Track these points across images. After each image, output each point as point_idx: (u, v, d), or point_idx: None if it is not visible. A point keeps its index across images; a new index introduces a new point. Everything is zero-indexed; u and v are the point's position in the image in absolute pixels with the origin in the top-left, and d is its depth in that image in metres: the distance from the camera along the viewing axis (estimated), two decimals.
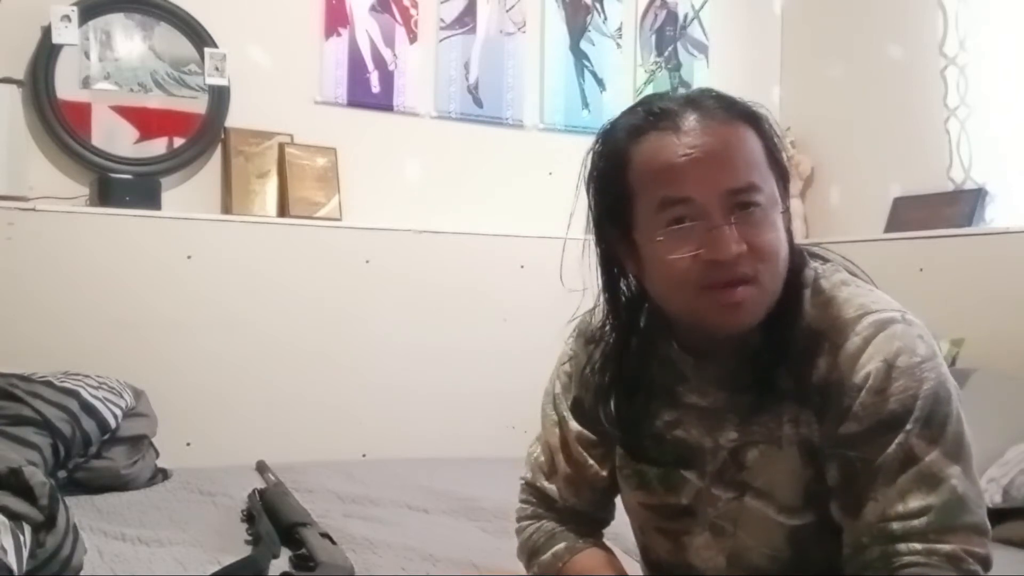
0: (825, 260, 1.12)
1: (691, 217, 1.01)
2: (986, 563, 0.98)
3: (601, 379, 1.18)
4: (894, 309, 1.04)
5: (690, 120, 1.02)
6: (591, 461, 1.22)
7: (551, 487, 1.25)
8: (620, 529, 1.31)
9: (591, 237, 1.13)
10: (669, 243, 1.02)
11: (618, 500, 1.28)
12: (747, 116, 1.05)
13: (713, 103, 1.04)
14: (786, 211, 1.05)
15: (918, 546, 0.96)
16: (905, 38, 3.21)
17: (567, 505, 1.24)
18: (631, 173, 1.05)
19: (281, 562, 1.65)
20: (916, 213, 3.08)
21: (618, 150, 1.06)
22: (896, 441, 0.98)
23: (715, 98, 1.05)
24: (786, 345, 1.05)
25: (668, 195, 1.02)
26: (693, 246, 1.00)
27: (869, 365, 1.00)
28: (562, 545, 1.21)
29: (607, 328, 1.18)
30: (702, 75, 3.54)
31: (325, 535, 1.75)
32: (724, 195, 1.00)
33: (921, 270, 2.86)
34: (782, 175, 1.07)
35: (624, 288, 1.14)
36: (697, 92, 1.07)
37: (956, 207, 2.96)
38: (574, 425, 1.23)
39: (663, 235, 1.02)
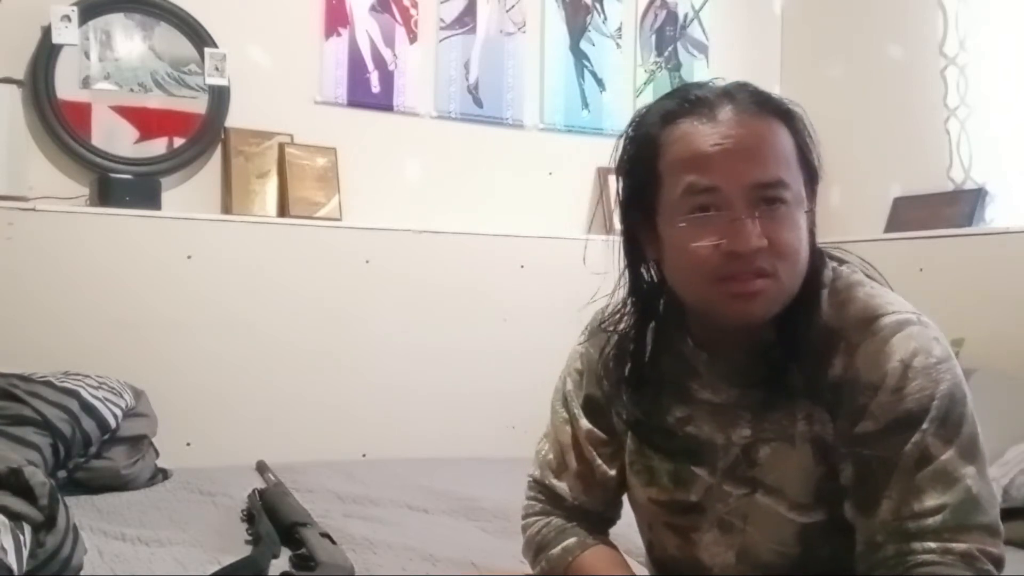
0: (843, 261, 1.13)
1: (716, 206, 1.02)
2: (999, 563, 0.98)
3: (617, 368, 1.19)
4: (910, 311, 1.05)
5: (725, 111, 1.03)
6: (599, 460, 1.23)
7: (561, 485, 1.25)
8: (623, 530, 1.31)
9: (606, 235, 1.14)
10: (691, 230, 1.02)
11: (623, 499, 1.28)
12: (782, 113, 1.06)
13: (749, 97, 1.05)
14: (810, 211, 1.06)
15: (933, 545, 0.96)
16: (905, 38, 3.21)
17: (576, 503, 1.24)
18: (661, 157, 1.06)
19: (281, 562, 1.65)
20: (916, 213, 3.08)
21: (651, 134, 1.07)
22: (912, 440, 0.98)
23: (751, 92, 1.06)
24: (800, 343, 1.05)
25: (695, 182, 1.02)
26: (715, 235, 1.01)
27: (886, 365, 1.00)
28: (573, 540, 1.21)
29: (624, 315, 1.19)
30: (702, 75, 3.54)
31: (325, 535, 1.75)
32: (750, 188, 1.01)
33: (921, 270, 2.86)
34: (811, 175, 1.07)
35: (644, 274, 1.15)
36: (734, 85, 1.08)
37: (956, 207, 2.96)
38: (585, 423, 1.23)
39: (686, 221, 1.03)
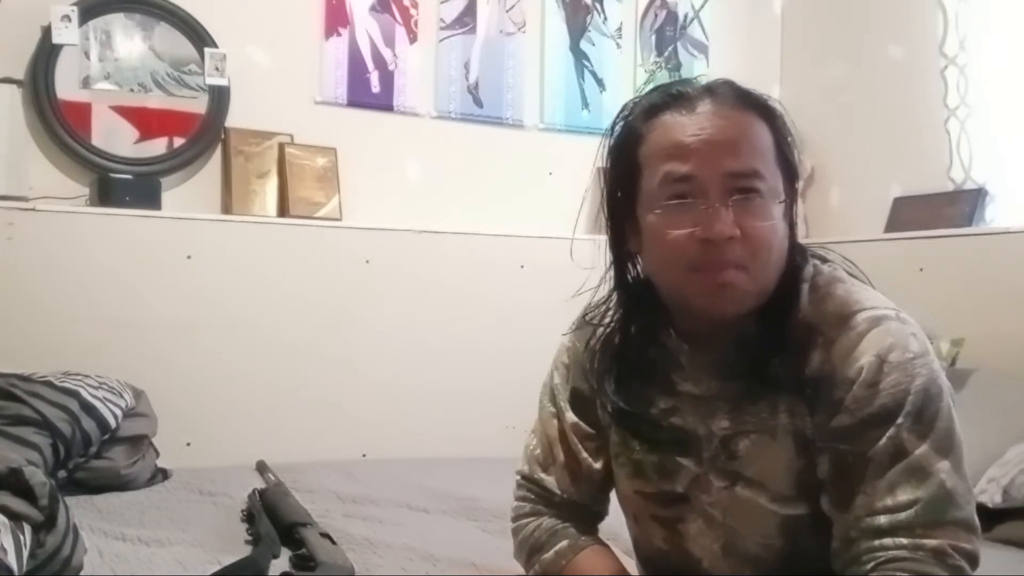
0: (824, 260, 1.14)
1: (691, 195, 1.04)
2: (973, 559, 0.98)
3: (602, 358, 1.20)
4: (888, 307, 1.06)
5: (705, 104, 1.06)
6: (585, 454, 1.23)
7: (549, 479, 1.25)
8: (619, 529, 1.31)
9: (595, 234, 1.15)
10: (667, 218, 1.05)
11: (612, 496, 1.28)
12: (761, 108, 1.08)
13: (730, 91, 1.08)
14: (784, 203, 1.07)
15: (904, 540, 0.97)
16: (905, 38, 3.21)
17: (565, 498, 1.25)
18: (642, 148, 1.08)
19: (281, 562, 1.65)
20: (916, 213, 3.08)
21: (633, 126, 1.10)
22: (887, 435, 0.99)
23: (733, 88, 1.09)
24: (780, 336, 1.06)
25: (671, 171, 1.04)
26: (690, 224, 1.03)
27: (862, 359, 1.01)
28: (565, 543, 1.21)
29: (610, 308, 1.20)
30: (701, 75, 3.54)
31: (325, 535, 1.75)
32: (725, 177, 1.03)
33: (921, 270, 2.86)
34: (790, 172, 1.09)
35: (630, 267, 1.16)
36: (717, 81, 1.10)
37: (956, 207, 2.96)
38: (571, 416, 1.24)
39: (661, 209, 1.05)
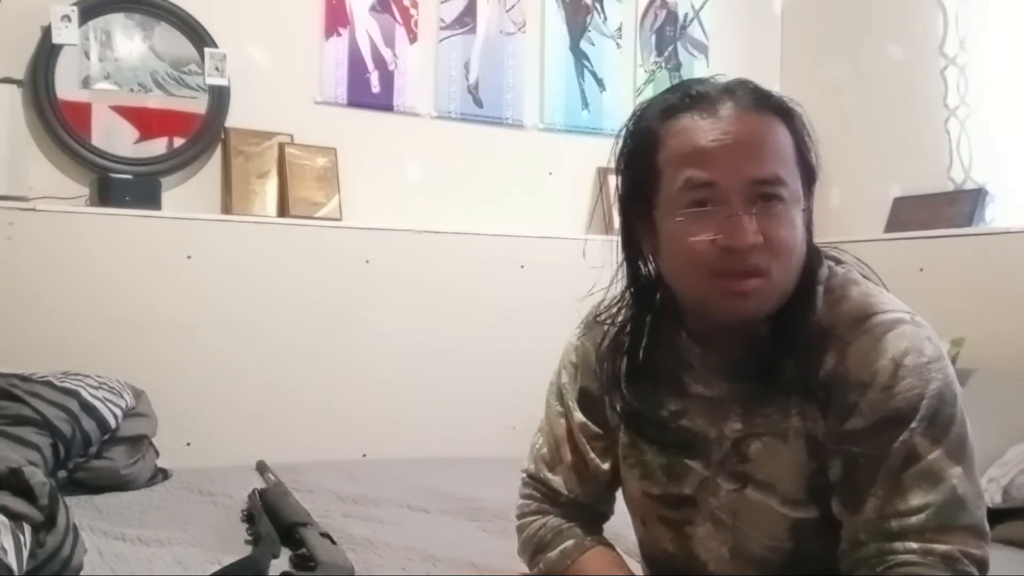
0: (839, 261, 1.13)
1: (713, 202, 1.02)
2: (983, 565, 0.98)
3: (612, 360, 1.19)
4: (903, 310, 1.05)
5: (725, 107, 1.04)
6: (592, 454, 1.23)
7: (555, 478, 1.25)
8: (621, 529, 1.31)
9: (605, 235, 1.14)
10: (688, 225, 1.03)
11: (618, 496, 1.28)
12: (782, 111, 1.07)
13: (749, 94, 1.06)
14: (807, 210, 1.06)
15: (914, 545, 0.96)
16: (905, 38, 3.21)
17: (571, 498, 1.24)
18: (661, 151, 1.06)
19: (281, 562, 1.65)
20: (916, 213, 3.08)
21: (651, 128, 1.08)
22: (900, 439, 0.98)
23: (752, 89, 1.07)
24: (792, 338, 1.05)
25: (693, 177, 1.03)
26: (711, 231, 1.01)
27: (877, 363, 1.00)
28: (570, 543, 1.21)
29: (621, 309, 1.19)
30: (702, 75, 3.54)
31: (325, 535, 1.75)
32: (748, 184, 1.01)
33: (921, 270, 2.86)
34: (809, 174, 1.08)
35: (641, 267, 1.15)
36: (735, 82, 1.08)
37: (956, 207, 2.96)
38: (579, 416, 1.24)
39: (683, 216, 1.03)
